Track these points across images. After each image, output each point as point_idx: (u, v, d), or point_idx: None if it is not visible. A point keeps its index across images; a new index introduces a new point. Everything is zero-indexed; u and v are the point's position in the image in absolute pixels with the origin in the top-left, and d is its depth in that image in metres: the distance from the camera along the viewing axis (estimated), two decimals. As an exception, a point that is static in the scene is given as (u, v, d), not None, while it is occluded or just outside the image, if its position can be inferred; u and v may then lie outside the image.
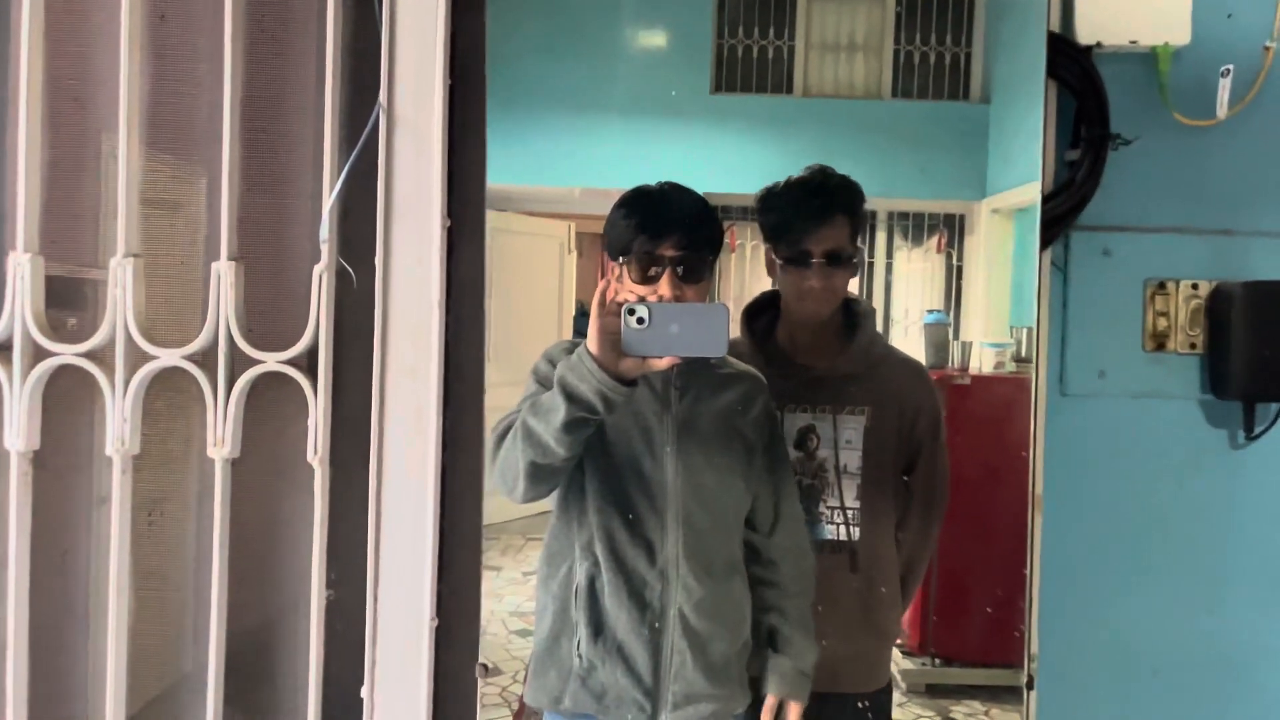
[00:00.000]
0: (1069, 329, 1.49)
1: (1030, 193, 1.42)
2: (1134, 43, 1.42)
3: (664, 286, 1.19)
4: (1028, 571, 1.37)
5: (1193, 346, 1.50)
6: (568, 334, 1.50)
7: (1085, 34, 1.41)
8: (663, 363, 1.08)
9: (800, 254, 1.35)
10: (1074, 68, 1.40)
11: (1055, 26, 1.40)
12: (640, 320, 1.07)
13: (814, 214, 1.35)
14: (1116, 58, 1.44)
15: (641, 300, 1.11)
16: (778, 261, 1.39)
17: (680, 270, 1.20)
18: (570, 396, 1.09)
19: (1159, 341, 1.51)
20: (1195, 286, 1.50)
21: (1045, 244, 1.39)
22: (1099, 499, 1.51)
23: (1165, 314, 1.51)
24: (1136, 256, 1.50)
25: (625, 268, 1.22)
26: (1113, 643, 1.52)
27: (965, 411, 1.50)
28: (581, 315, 1.48)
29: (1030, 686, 1.34)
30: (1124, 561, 1.52)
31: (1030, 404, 1.39)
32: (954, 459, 1.46)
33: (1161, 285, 1.51)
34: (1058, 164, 1.43)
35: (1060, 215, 1.41)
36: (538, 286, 1.46)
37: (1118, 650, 1.53)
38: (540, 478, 1.19)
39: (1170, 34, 1.42)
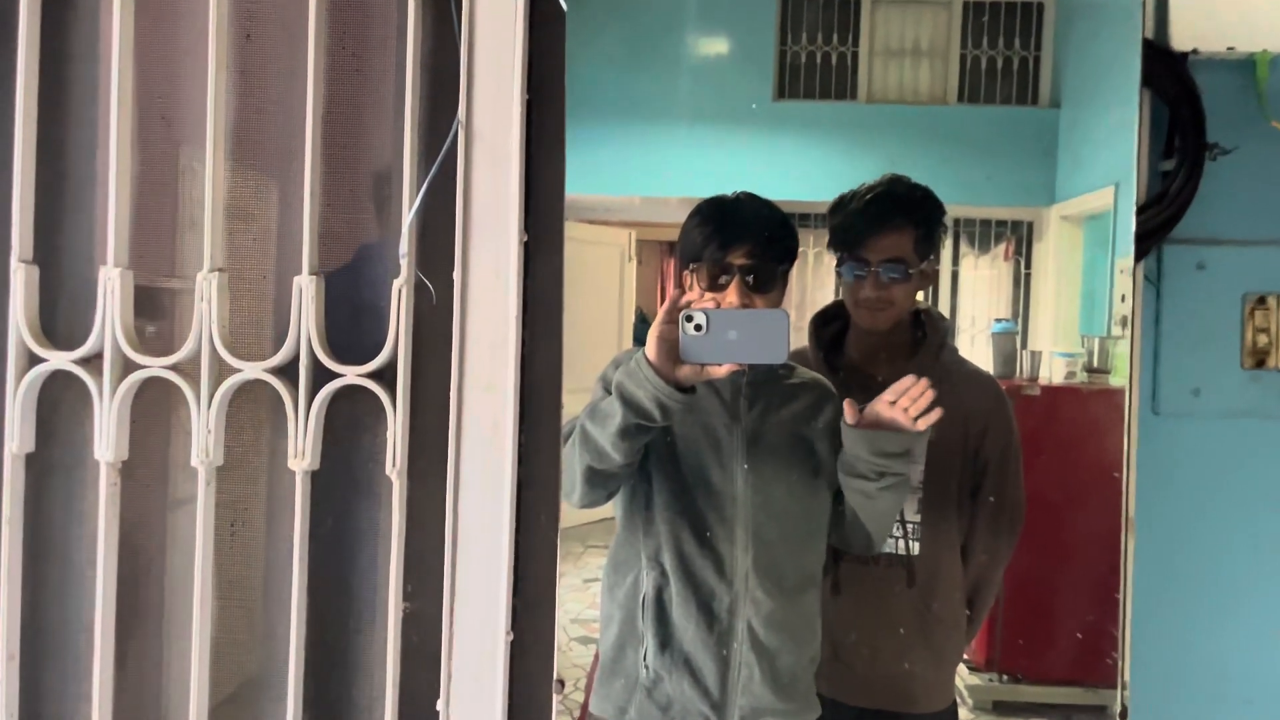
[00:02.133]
0: (1162, 345, 1.44)
1: (1103, 199, 1.39)
2: (1231, 49, 1.37)
3: (731, 294, 1.19)
4: (1120, 596, 1.32)
5: (1294, 364, 1.45)
6: (628, 341, 1.50)
7: (1180, 40, 1.37)
8: (721, 370, 1.07)
9: (858, 261, 1.34)
10: (1168, 75, 1.36)
11: (1149, 33, 1.35)
12: (698, 327, 1.06)
13: (873, 221, 1.34)
14: (1212, 64, 1.39)
15: (701, 307, 1.10)
16: (837, 269, 1.38)
17: (750, 279, 1.19)
18: (627, 402, 1.09)
19: (1258, 359, 1.45)
20: (1297, 301, 1.45)
21: (1138, 257, 1.35)
22: (1191, 522, 1.45)
23: (1265, 330, 1.45)
24: (1234, 270, 1.44)
25: (695, 275, 1.21)
26: (1205, 670, 1.47)
27: (1034, 423, 1.46)
28: (641, 323, 1.48)
29: (1124, 716, 1.30)
30: (1217, 587, 1.47)
31: (1112, 415, 1.36)
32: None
33: (1261, 300, 1.45)
34: (1150, 175, 1.38)
35: (1154, 228, 1.36)
36: (599, 294, 1.46)
37: (1210, 678, 1.47)
38: (598, 483, 1.19)
39: (1269, 40, 1.37)
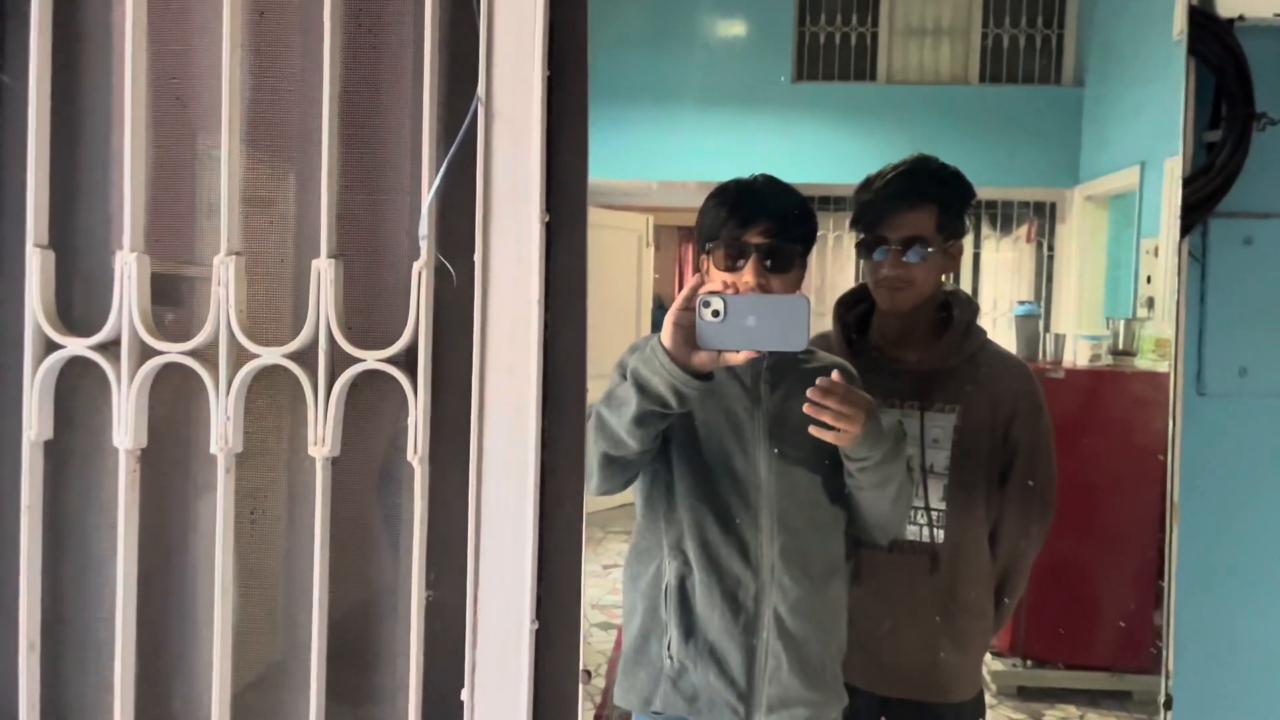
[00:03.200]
0: (1207, 323, 1.40)
1: (1128, 178, 1.36)
2: (1279, 15, 1.32)
3: (748, 274, 1.18)
4: (1165, 583, 1.29)
5: (1346, 341, 1.40)
6: (646, 327, 1.48)
7: (1226, 6, 1.32)
8: (739, 357, 1.04)
9: (876, 239, 1.31)
10: (1214, 42, 1.31)
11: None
12: (715, 313, 1.03)
13: (894, 198, 1.32)
14: (1259, 31, 1.34)
15: (718, 293, 1.07)
16: (856, 247, 1.36)
17: (767, 261, 1.16)
18: (642, 389, 1.07)
19: (1309, 336, 1.41)
20: (1349, 276, 1.40)
21: (1183, 232, 1.31)
22: (1236, 506, 1.41)
23: (1315, 307, 1.41)
24: (1283, 246, 1.40)
25: (711, 256, 1.19)
26: (1248, 658, 1.43)
27: (1058, 406, 1.43)
28: (659, 309, 1.47)
29: (1169, 705, 1.27)
30: (1262, 572, 1.43)
31: (1139, 397, 1.33)
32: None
33: (1312, 276, 1.41)
34: (1195, 146, 1.34)
35: (1199, 201, 1.32)
36: (617, 279, 1.44)
37: (1255, 666, 1.43)
38: (614, 470, 1.18)
39: (1320, 4, 1.32)
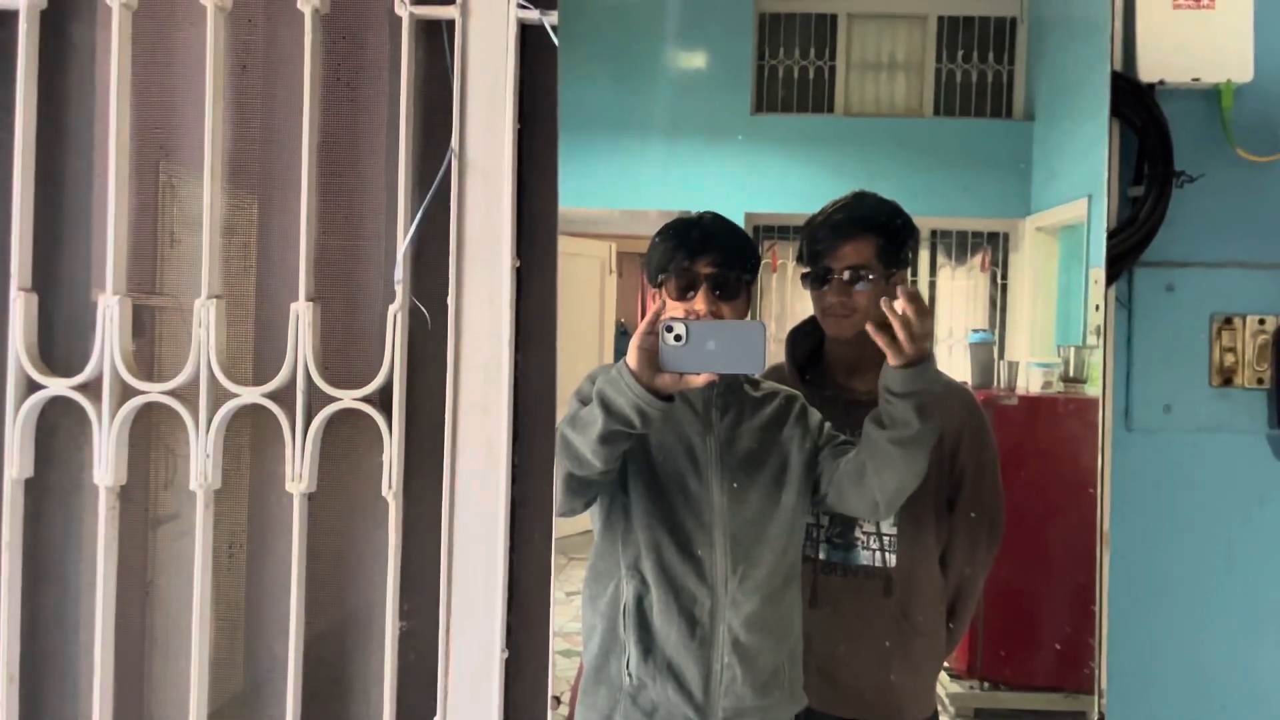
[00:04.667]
0: (1134, 364, 1.49)
1: (1077, 210, 1.40)
2: (1196, 80, 1.42)
3: (700, 301, 1.23)
4: (1096, 607, 1.36)
5: (1260, 381, 1.49)
6: (609, 353, 1.52)
7: (1147, 72, 1.42)
8: (700, 379, 1.10)
9: (821, 270, 1.36)
10: (1136, 105, 1.40)
11: (1117, 65, 1.40)
12: (678, 337, 1.10)
13: (835, 230, 1.36)
14: (1178, 94, 1.44)
15: (680, 319, 1.13)
16: (802, 279, 1.40)
17: (717, 290, 1.24)
18: (608, 409, 1.12)
19: (1225, 376, 1.50)
20: (1262, 321, 1.49)
21: (1110, 280, 1.40)
22: (1164, 533, 1.50)
23: (1232, 349, 1.50)
24: (1202, 292, 1.49)
25: (664, 287, 1.25)
26: (1179, 677, 1.51)
27: (1012, 433, 1.47)
28: (621, 335, 1.50)
29: (1101, 722, 1.34)
30: (1190, 597, 1.51)
31: (1088, 425, 1.37)
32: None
33: (1228, 320, 1.50)
34: (1120, 200, 1.43)
35: (1124, 251, 1.41)
36: (579, 307, 1.48)
37: (1185, 685, 1.51)
38: (576, 490, 1.22)
39: (1233, 71, 1.42)
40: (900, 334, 1.17)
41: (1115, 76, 1.37)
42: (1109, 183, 1.37)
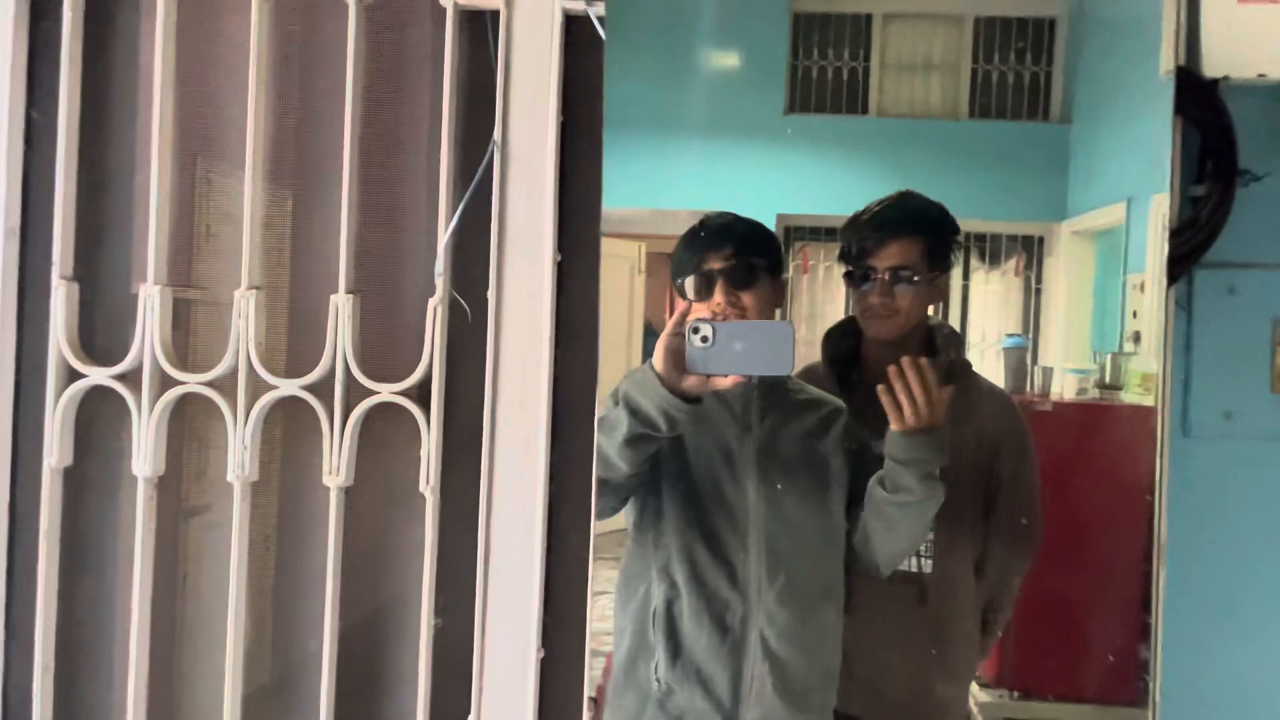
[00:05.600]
0: (1193, 368, 1.44)
1: (1115, 214, 1.38)
2: (1262, 76, 1.37)
3: (718, 294, 1.23)
4: (1152, 620, 1.32)
5: (1324, 388, 1.44)
6: (638, 353, 1.51)
7: (1211, 68, 1.37)
8: (726, 381, 1.09)
9: (864, 269, 1.35)
10: (1200, 102, 1.36)
11: (1180, 60, 1.36)
12: (705, 339, 1.08)
13: (881, 229, 1.35)
14: (1243, 91, 1.40)
15: (707, 319, 1.13)
16: (845, 278, 1.39)
17: (733, 281, 1.23)
18: (634, 412, 1.11)
19: (1290, 382, 1.46)
20: (1327, 325, 1.45)
21: (1170, 281, 1.36)
22: (1220, 545, 1.45)
23: (1296, 354, 1.45)
24: (1265, 295, 1.44)
25: (686, 291, 1.26)
26: (1232, 695, 1.46)
27: (1045, 439, 1.44)
28: (649, 335, 1.50)
29: (1157, 742, 1.30)
30: (1246, 611, 1.46)
31: (1125, 432, 1.35)
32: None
33: (1292, 324, 1.46)
34: (1181, 199, 1.39)
35: (1185, 253, 1.37)
36: (609, 306, 1.47)
37: (1237, 705, 1.46)
38: (604, 493, 1.22)
39: (1301, 66, 1.38)
40: (902, 399, 1.15)
41: (1179, 71, 1.33)
42: (1172, 182, 1.33)
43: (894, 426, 1.19)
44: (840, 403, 1.32)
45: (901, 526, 1.24)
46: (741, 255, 1.25)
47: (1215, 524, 1.45)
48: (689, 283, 1.26)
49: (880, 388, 1.18)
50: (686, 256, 1.28)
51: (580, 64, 1.38)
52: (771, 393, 1.28)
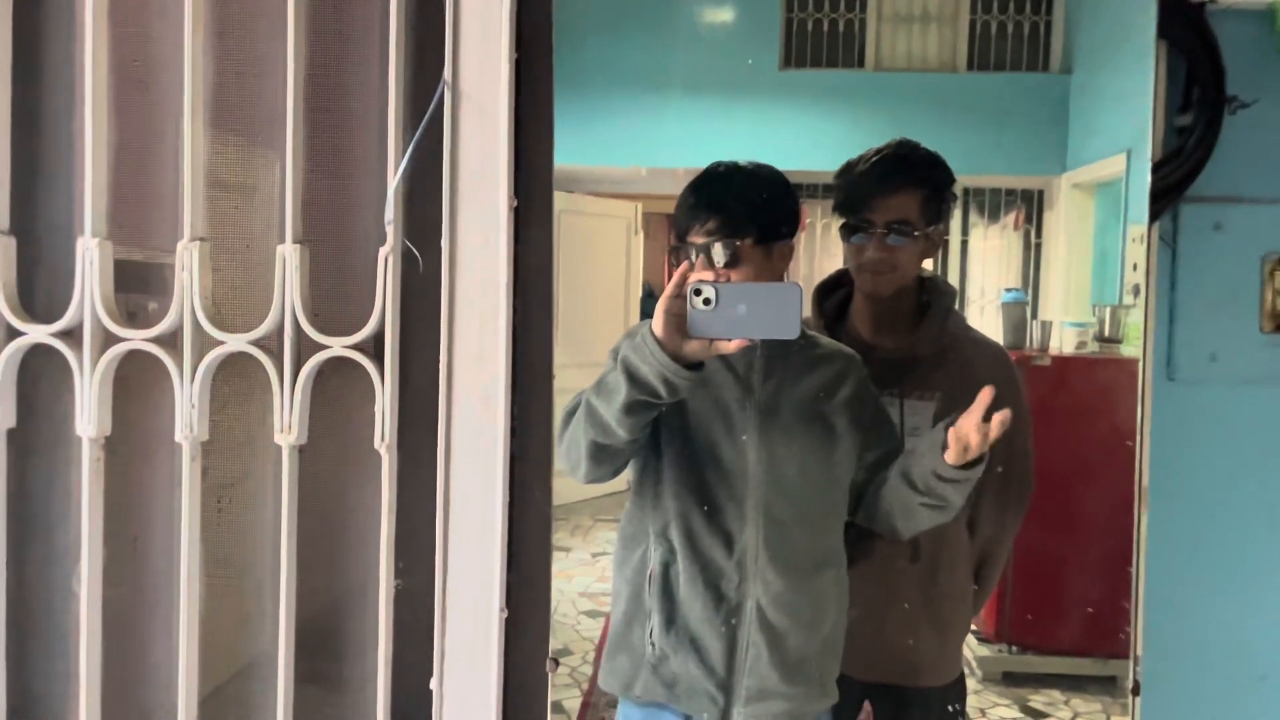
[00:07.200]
0: (1177, 309, 1.40)
1: (1116, 165, 1.35)
2: (1250, -2, 1.33)
3: (716, 252, 1.19)
4: (1133, 569, 1.29)
5: (1315, 329, 1.40)
6: (634, 314, 1.48)
7: (1198, -10, 1.32)
8: (730, 345, 1.03)
9: (863, 222, 1.32)
10: (1185, 26, 1.30)
11: (1164, -19, 1.30)
12: (706, 301, 1.02)
13: (879, 182, 1.32)
14: (1230, 14, 1.34)
15: (709, 281, 1.07)
16: (841, 232, 1.37)
17: (726, 230, 1.19)
18: (632, 378, 1.06)
19: (1277, 323, 1.41)
20: (1318, 263, 1.40)
21: (1153, 217, 1.31)
22: (1206, 491, 1.42)
23: (1285, 293, 1.41)
24: (1254, 230, 1.39)
25: (678, 254, 1.21)
26: (1219, 643, 1.44)
27: (1045, 393, 1.44)
28: (648, 297, 1.46)
29: (1137, 691, 1.27)
30: (1231, 558, 1.43)
31: (1125, 385, 1.33)
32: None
33: (1281, 261, 1.41)
34: (1166, 131, 1.33)
35: (1169, 186, 1.32)
36: (604, 267, 1.44)
37: (1223, 652, 1.44)
38: (603, 459, 1.17)
39: (1292, -12, 1.32)
40: (974, 443, 1.10)
41: (1164, -5, 1.27)
42: (1154, 110, 1.28)
43: (952, 461, 1.13)
44: (855, 355, 1.28)
45: (925, 519, 1.22)
46: (727, 231, 1.19)
47: (1199, 470, 1.42)
48: (688, 246, 1.21)
49: (952, 432, 1.12)
50: (678, 219, 1.24)
51: (534, 3, 1.32)
52: (778, 350, 1.23)
